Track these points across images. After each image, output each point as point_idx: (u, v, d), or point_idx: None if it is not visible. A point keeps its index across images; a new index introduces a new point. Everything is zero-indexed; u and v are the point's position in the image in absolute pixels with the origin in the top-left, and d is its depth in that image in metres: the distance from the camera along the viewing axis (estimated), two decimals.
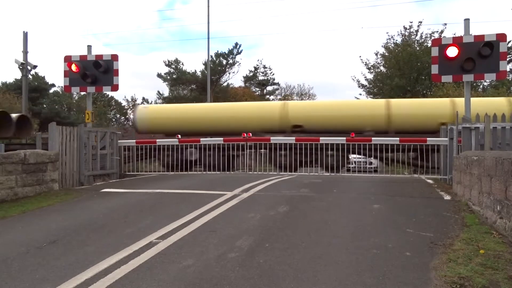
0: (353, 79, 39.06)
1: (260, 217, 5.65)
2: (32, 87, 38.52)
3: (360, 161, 14.76)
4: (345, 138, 11.40)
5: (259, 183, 9.06)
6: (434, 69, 9.03)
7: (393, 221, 5.44)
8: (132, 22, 76.92)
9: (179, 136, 12.37)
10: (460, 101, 12.32)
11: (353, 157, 14.51)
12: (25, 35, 24.87)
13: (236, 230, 4.94)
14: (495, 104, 13.31)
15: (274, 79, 48.81)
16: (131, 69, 66.70)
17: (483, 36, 8.64)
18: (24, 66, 24.51)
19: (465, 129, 8.10)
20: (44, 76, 47.30)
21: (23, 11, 74.10)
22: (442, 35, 27.94)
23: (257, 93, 47.03)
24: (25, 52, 24.69)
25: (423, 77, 28.90)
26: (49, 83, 48.58)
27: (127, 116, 46.07)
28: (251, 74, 47.64)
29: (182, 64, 41.65)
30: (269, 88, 49.81)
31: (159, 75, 42.08)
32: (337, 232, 4.89)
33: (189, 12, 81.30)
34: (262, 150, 12.68)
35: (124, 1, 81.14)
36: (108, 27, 75.05)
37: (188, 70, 41.15)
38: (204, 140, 12.21)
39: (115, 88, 10.82)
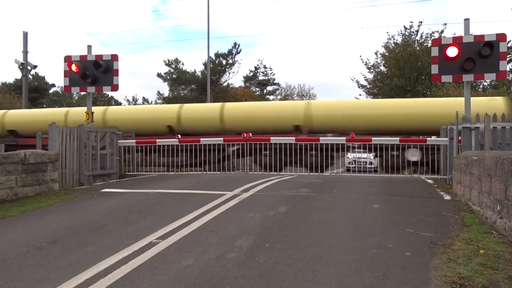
0: (352, 80, 38.96)
1: (260, 217, 5.65)
2: (32, 87, 38.56)
3: (361, 161, 14.73)
4: (345, 138, 11.41)
5: (259, 183, 9.06)
6: (434, 69, 9.02)
7: (393, 221, 5.44)
8: (126, 20, 77.06)
9: (179, 136, 12.37)
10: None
11: (349, 156, 14.54)
12: (25, 35, 24.89)
13: (236, 230, 4.94)
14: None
15: (274, 79, 48.88)
16: (128, 68, 66.86)
17: (483, 36, 8.63)
18: (24, 66, 24.52)
19: (465, 129, 8.10)
20: (44, 76, 47.41)
21: (23, 11, 74.14)
22: (442, 35, 27.98)
23: (257, 93, 47.05)
24: (25, 52, 24.72)
25: (423, 77, 28.92)
26: (49, 83, 48.62)
27: None
28: (251, 74, 47.68)
29: (182, 64, 41.69)
30: (269, 88, 49.88)
31: (159, 75, 42.11)
32: (337, 232, 4.89)
33: (184, 9, 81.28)
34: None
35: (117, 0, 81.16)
36: (103, 25, 75.18)
37: (188, 70, 41.18)
38: (204, 140, 12.21)
39: (115, 88, 10.81)
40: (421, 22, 29.98)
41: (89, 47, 10.94)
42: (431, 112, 13.57)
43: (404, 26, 32.58)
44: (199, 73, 40.07)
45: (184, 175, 11.74)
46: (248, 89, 45.97)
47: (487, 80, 25.83)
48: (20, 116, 18.00)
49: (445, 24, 42.92)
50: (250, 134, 11.96)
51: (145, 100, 47.64)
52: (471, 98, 9.07)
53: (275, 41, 78.26)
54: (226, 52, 40.31)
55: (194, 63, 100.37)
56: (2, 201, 6.94)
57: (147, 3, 78.70)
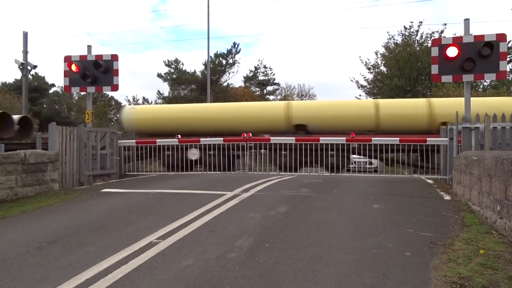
0: (352, 80, 39.08)
1: (260, 217, 5.65)
2: (32, 87, 38.51)
3: (361, 161, 14.75)
4: (345, 138, 11.41)
5: (259, 183, 9.06)
6: (434, 69, 9.03)
7: (393, 221, 5.45)
8: (126, 20, 77.09)
9: (179, 136, 12.38)
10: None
11: (353, 157, 14.51)
12: (25, 35, 24.86)
13: (236, 230, 4.94)
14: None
15: (274, 79, 48.86)
16: (128, 68, 66.75)
17: (483, 36, 8.64)
18: (24, 66, 24.49)
19: (465, 129, 8.10)
20: (44, 76, 47.31)
21: (23, 11, 74.16)
22: (442, 35, 27.98)
23: (257, 93, 47.04)
24: (25, 52, 24.68)
25: (423, 77, 28.92)
26: (49, 83, 48.58)
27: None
28: (251, 74, 47.67)
29: (182, 64, 41.69)
30: (269, 88, 49.86)
31: (159, 75, 42.12)
32: (337, 232, 4.89)
33: (184, 9, 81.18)
34: (262, 151, 12.69)
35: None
36: (102, 25, 75.15)
37: (188, 70, 41.18)
38: (204, 140, 12.21)
39: (115, 88, 10.83)
40: (421, 22, 30.00)
41: (89, 47, 10.96)
42: None
43: (404, 26, 32.59)
44: (199, 73, 40.07)
45: (184, 175, 11.74)
46: (248, 89, 45.96)
47: (487, 80, 25.83)
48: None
49: (445, 24, 43.01)
50: (250, 134, 11.95)
51: (145, 100, 47.67)
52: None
53: (275, 41, 78.22)
54: (226, 52, 40.34)
55: (194, 63, 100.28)
56: (2, 201, 6.94)
57: (147, 3, 78.70)
